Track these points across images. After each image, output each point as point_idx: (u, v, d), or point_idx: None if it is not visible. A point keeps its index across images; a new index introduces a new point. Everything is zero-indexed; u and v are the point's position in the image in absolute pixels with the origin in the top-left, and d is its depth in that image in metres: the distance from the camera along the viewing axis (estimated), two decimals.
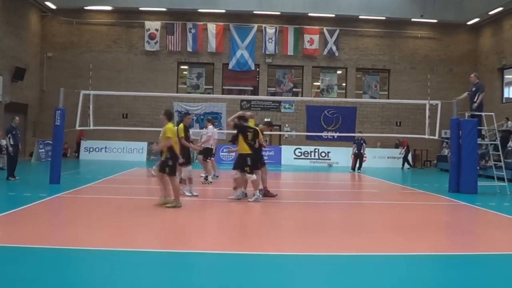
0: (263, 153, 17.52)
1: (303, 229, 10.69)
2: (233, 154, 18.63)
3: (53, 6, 34.76)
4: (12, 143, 18.57)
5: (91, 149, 33.69)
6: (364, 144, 28.21)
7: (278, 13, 35.80)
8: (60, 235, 9.41)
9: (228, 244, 9.00)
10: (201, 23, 36.19)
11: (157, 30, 36.03)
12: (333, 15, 36.10)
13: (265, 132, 16.54)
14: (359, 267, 7.82)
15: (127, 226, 10.43)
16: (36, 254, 7.78)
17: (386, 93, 37.69)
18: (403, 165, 33.47)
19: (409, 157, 33.77)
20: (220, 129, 33.07)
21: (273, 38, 36.30)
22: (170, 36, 36.03)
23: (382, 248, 9.06)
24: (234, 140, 15.14)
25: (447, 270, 7.87)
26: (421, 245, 9.32)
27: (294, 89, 37.68)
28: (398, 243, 9.45)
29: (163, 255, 8.12)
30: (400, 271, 7.62)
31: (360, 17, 36.31)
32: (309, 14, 36.03)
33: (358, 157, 28.21)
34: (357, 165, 28.15)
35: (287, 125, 36.36)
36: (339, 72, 37.96)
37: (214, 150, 20.84)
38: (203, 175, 19.21)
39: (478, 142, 19.43)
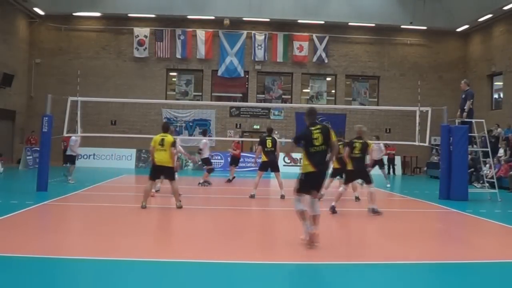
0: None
1: (292, 236, 10.57)
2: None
3: (41, 12, 34.61)
4: None
5: (79, 156, 33.35)
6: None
7: (268, 19, 35.77)
8: (45, 243, 9.25)
9: (214, 252, 8.88)
10: (190, 29, 36.11)
11: (146, 36, 35.92)
12: (323, 22, 36.12)
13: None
14: (350, 276, 7.72)
15: (113, 234, 10.30)
16: (21, 263, 7.65)
17: (376, 99, 37.71)
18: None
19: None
20: (209, 136, 33.03)
21: (263, 45, 36.26)
22: (159, 43, 35.92)
23: (372, 256, 8.97)
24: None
25: (438, 278, 7.80)
26: (411, 253, 9.24)
27: (283, 96, 37.63)
28: (388, 251, 9.36)
29: (146, 264, 7.99)
30: (390, 279, 7.53)
31: (349, 24, 36.34)
32: (299, 21, 36.03)
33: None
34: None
35: (276, 132, 36.17)
36: (328, 79, 37.94)
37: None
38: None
39: (469, 149, 19.44)
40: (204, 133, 25.22)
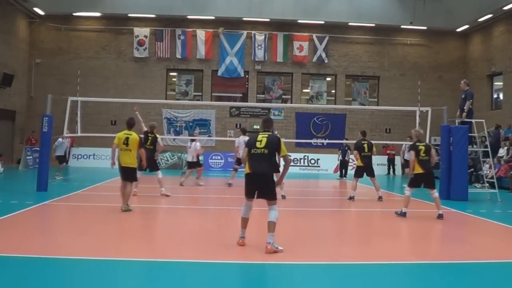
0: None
1: (294, 237, 10.57)
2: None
3: (41, 12, 34.60)
4: None
5: (79, 156, 33.46)
6: (348, 151, 28.07)
7: (268, 19, 35.75)
8: (45, 243, 9.25)
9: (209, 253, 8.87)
10: (190, 29, 36.09)
11: (146, 36, 35.90)
12: (323, 22, 36.11)
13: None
14: (349, 275, 7.72)
15: (113, 234, 10.30)
16: (21, 263, 7.64)
17: (376, 100, 37.70)
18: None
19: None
20: (209, 136, 33.07)
21: (263, 45, 36.25)
22: (159, 43, 35.90)
23: (372, 256, 8.96)
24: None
25: (438, 278, 7.79)
26: (411, 253, 9.24)
27: (283, 96, 37.64)
28: (388, 251, 9.35)
29: (147, 264, 7.98)
30: (390, 279, 7.52)
31: (349, 24, 36.34)
32: (299, 21, 36.02)
33: (343, 164, 28.22)
34: (343, 171, 28.21)
35: (276, 132, 36.19)
36: (328, 79, 37.93)
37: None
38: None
39: (469, 149, 19.46)
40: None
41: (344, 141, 29.03)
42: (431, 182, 13.42)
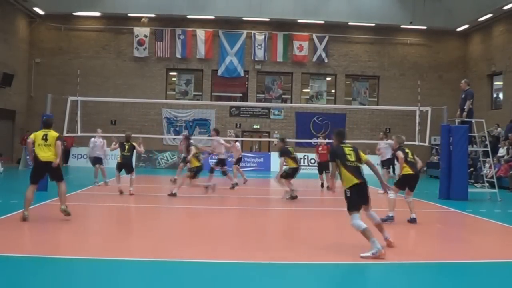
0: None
1: (292, 236, 10.57)
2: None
3: (41, 12, 34.60)
4: None
5: (79, 156, 33.44)
6: None
7: (268, 19, 35.77)
8: (45, 243, 9.26)
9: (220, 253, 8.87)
10: (190, 29, 36.11)
11: (146, 36, 35.92)
12: (323, 22, 36.13)
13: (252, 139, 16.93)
14: (349, 275, 7.72)
15: (113, 234, 10.30)
16: (21, 263, 7.64)
17: (376, 99, 37.72)
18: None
19: None
20: (208, 135, 33.07)
21: (262, 45, 36.26)
22: (159, 43, 35.92)
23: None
24: None
25: (438, 278, 7.78)
26: (411, 253, 9.23)
27: (283, 96, 37.67)
28: (388, 251, 9.34)
29: (147, 264, 7.97)
30: (390, 279, 7.52)
31: (349, 23, 36.35)
32: (299, 21, 36.04)
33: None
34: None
35: (276, 132, 36.26)
36: (328, 78, 37.95)
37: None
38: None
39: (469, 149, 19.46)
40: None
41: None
42: (415, 185, 13.08)
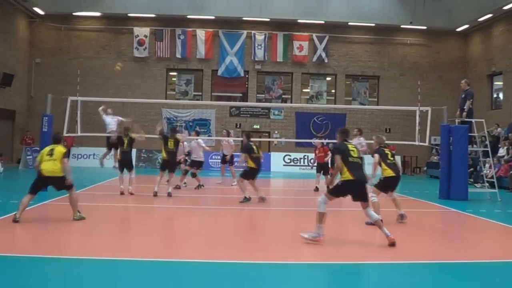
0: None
1: (293, 236, 10.57)
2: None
3: (41, 12, 34.58)
4: None
5: (79, 156, 33.44)
6: None
7: (268, 19, 35.76)
8: (46, 243, 9.27)
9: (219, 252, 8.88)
10: (190, 29, 36.11)
11: (146, 36, 35.92)
12: (323, 22, 36.11)
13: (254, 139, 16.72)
14: (349, 275, 7.72)
15: (113, 234, 10.30)
16: (21, 263, 7.64)
17: (376, 99, 37.71)
18: None
19: None
20: (208, 135, 33.09)
21: (262, 45, 36.25)
22: (159, 43, 35.91)
23: (372, 256, 8.97)
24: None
25: (438, 278, 7.78)
26: (411, 253, 9.22)
27: (283, 96, 37.65)
28: (388, 251, 9.34)
29: (147, 264, 7.97)
30: (390, 279, 7.51)
31: (349, 23, 36.33)
32: (299, 21, 36.03)
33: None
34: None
35: (276, 132, 36.29)
36: (328, 78, 37.94)
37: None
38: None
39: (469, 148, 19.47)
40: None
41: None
42: (397, 185, 13.07)
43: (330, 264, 8.30)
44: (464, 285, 7.38)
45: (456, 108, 19.10)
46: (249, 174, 16.21)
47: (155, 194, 16.55)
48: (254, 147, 16.42)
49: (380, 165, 12.58)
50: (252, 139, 16.87)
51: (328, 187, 19.22)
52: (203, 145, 20.24)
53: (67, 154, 12.07)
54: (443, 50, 37.64)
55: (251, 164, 16.14)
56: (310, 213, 14.58)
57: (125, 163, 17.86)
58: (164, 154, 17.42)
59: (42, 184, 12.02)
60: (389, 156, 12.70)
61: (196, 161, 20.04)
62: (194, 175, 20.03)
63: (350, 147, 9.93)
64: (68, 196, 11.89)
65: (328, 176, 20.78)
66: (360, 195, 9.79)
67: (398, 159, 33.45)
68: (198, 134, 20.95)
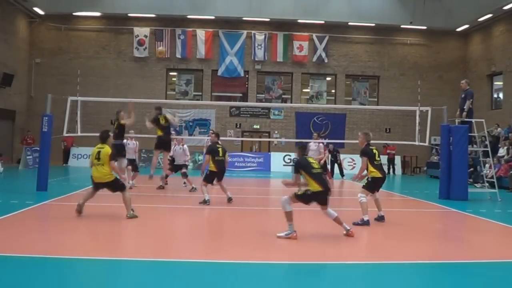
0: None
1: (298, 237, 10.58)
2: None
3: (41, 12, 34.59)
4: None
5: (79, 156, 33.46)
6: (338, 154, 27.94)
7: (268, 19, 35.77)
8: (46, 243, 9.27)
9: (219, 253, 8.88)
10: (190, 29, 36.11)
11: (146, 36, 35.93)
12: (323, 22, 36.12)
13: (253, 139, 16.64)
14: (349, 275, 7.71)
15: (113, 234, 10.30)
16: (21, 263, 7.63)
17: (376, 99, 37.71)
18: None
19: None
20: (208, 136, 33.11)
21: (262, 45, 36.26)
22: (159, 43, 35.90)
23: (373, 256, 8.97)
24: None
25: (438, 278, 7.78)
26: (411, 253, 9.22)
27: (283, 96, 37.65)
28: (388, 251, 9.35)
29: (151, 264, 7.97)
30: (390, 279, 7.51)
31: (349, 23, 36.35)
32: (299, 21, 36.04)
33: (335, 164, 27.93)
34: (335, 172, 28.01)
35: (276, 132, 36.29)
36: (328, 78, 37.94)
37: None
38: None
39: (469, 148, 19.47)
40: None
41: (342, 141, 28.90)
42: (382, 186, 12.98)
43: (330, 264, 8.29)
44: (464, 285, 7.37)
45: (456, 108, 19.10)
46: (209, 178, 15.58)
47: (151, 177, 17.10)
48: (220, 149, 15.72)
49: (367, 167, 12.51)
50: (219, 141, 16.41)
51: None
52: (188, 153, 20.02)
53: (113, 156, 12.26)
54: (443, 50, 37.65)
55: (212, 167, 15.51)
56: (310, 213, 14.61)
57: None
58: (159, 132, 17.57)
59: (98, 187, 12.38)
60: (376, 157, 12.57)
61: (178, 165, 19.77)
62: (185, 175, 19.83)
63: (310, 160, 10.64)
64: (121, 196, 12.22)
65: (325, 174, 20.85)
66: (324, 201, 10.41)
67: (397, 159, 34.00)
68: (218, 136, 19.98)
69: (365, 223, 12.00)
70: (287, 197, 10.26)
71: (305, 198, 10.26)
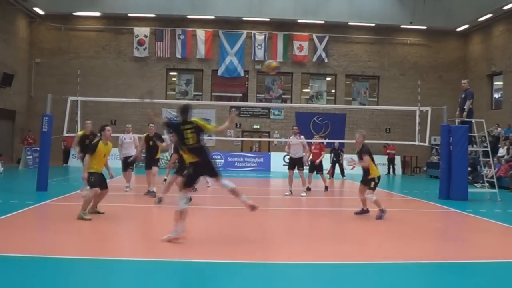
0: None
1: (293, 237, 10.58)
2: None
3: (41, 12, 34.58)
4: None
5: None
6: (342, 153, 27.90)
7: (268, 19, 35.76)
8: (45, 243, 9.25)
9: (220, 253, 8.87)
10: (190, 29, 36.11)
11: (146, 36, 35.93)
12: (323, 22, 36.12)
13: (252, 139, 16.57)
14: (349, 275, 7.71)
15: (113, 234, 10.30)
16: (21, 263, 7.63)
17: (376, 99, 37.71)
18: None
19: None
20: (208, 135, 33.09)
21: (262, 45, 36.25)
22: (159, 43, 35.91)
23: (372, 256, 8.95)
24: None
25: (438, 278, 7.78)
26: (411, 253, 9.21)
27: (283, 96, 37.64)
28: (388, 250, 9.35)
29: (151, 264, 7.96)
30: (389, 279, 7.50)
31: (349, 23, 36.34)
32: (299, 21, 36.04)
33: (337, 164, 27.90)
34: (336, 172, 27.98)
35: (276, 132, 36.27)
36: (328, 78, 37.94)
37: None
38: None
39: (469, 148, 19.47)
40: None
41: (340, 141, 28.87)
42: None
43: (330, 264, 8.28)
44: (464, 285, 7.36)
45: (456, 108, 19.10)
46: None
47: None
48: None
49: (369, 166, 12.77)
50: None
51: (326, 187, 19.35)
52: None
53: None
54: (443, 50, 37.65)
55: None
56: (309, 213, 14.64)
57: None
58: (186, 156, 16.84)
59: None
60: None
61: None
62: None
63: (186, 128, 9.64)
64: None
65: (323, 174, 21.10)
66: (211, 173, 9.87)
67: (397, 159, 34.04)
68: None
69: (384, 211, 12.76)
70: (181, 194, 9.54)
71: (189, 179, 9.66)
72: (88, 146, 14.99)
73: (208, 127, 9.79)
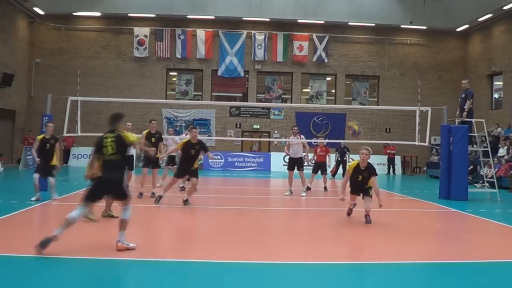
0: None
1: (293, 237, 10.57)
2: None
3: (41, 12, 34.56)
4: None
5: (79, 156, 33.46)
6: (347, 152, 27.82)
7: (268, 19, 35.76)
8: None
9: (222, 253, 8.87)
10: (190, 29, 36.10)
11: (146, 36, 35.92)
12: (323, 22, 36.11)
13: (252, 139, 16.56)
14: (349, 275, 7.72)
15: (113, 234, 10.30)
16: (21, 263, 7.65)
17: (376, 99, 37.71)
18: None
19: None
20: (209, 135, 33.14)
21: (262, 45, 36.25)
22: (159, 43, 35.91)
23: (372, 256, 8.96)
24: None
25: (438, 278, 7.77)
26: (411, 253, 9.22)
27: (283, 96, 37.64)
28: (388, 250, 9.35)
29: (151, 264, 7.96)
30: (389, 279, 7.50)
31: (349, 23, 36.34)
32: (299, 21, 36.03)
33: (341, 164, 27.85)
34: (338, 172, 27.92)
35: (276, 132, 36.26)
36: (328, 78, 37.93)
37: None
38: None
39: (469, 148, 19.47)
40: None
41: (343, 141, 28.82)
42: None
43: (330, 264, 8.28)
44: (464, 285, 7.36)
45: (456, 108, 19.11)
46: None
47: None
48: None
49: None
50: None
51: (325, 187, 19.39)
52: (178, 140, 18.91)
53: None
54: (443, 50, 37.66)
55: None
56: (309, 213, 14.65)
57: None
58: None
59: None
60: None
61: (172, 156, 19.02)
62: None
63: (107, 136, 9.04)
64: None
65: (326, 175, 21.13)
66: (114, 194, 9.26)
67: (397, 159, 34.05)
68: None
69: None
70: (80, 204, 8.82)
71: (91, 192, 8.93)
72: (48, 150, 14.93)
73: (131, 139, 9.13)
